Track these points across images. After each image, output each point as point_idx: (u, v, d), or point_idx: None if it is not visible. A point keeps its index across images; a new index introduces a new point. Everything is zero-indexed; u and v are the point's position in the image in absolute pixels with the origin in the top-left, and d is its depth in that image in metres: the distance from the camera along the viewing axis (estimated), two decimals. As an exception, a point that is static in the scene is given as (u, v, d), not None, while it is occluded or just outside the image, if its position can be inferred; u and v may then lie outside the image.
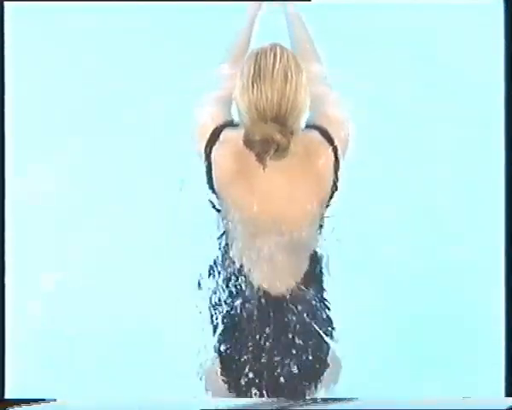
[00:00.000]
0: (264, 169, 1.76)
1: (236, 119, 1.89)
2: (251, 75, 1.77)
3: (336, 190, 1.93)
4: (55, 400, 2.16)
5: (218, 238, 2.01)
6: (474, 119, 2.83)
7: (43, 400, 2.15)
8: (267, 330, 1.93)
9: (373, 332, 2.50)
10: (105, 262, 2.57)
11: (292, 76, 1.76)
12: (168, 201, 2.56)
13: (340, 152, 1.90)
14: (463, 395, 2.17)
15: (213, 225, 2.09)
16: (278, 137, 1.73)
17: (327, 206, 1.95)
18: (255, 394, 1.96)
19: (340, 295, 2.22)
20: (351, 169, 2.37)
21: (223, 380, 1.99)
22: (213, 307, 1.99)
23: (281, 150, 1.76)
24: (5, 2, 2.48)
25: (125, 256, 2.58)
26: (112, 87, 2.85)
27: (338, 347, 2.08)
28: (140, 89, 2.84)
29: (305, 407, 2.12)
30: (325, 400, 2.12)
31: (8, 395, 2.29)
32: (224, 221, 1.96)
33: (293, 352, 1.95)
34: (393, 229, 2.66)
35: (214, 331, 2.00)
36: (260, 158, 1.76)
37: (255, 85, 1.75)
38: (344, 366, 2.36)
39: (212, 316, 2.00)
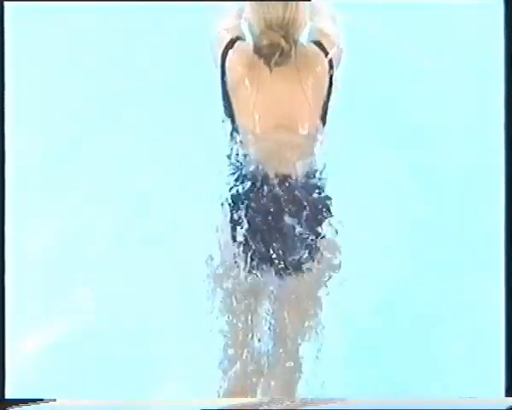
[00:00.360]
0: (270, 71, 2.13)
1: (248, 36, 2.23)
2: None
3: (332, 84, 2.20)
4: (54, 400, 2.17)
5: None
6: (474, 119, 2.83)
7: (42, 400, 2.15)
8: (271, 208, 2.20)
9: (373, 332, 2.50)
10: (105, 262, 2.57)
11: None
12: (168, 200, 2.58)
13: (334, 62, 2.20)
14: (463, 395, 2.17)
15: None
16: (283, 42, 2.10)
17: (324, 111, 2.21)
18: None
19: (340, 294, 2.23)
20: (352, 172, 2.39)
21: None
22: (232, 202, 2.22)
23: (284, 55, 2.12)
24: (5, 2, 2.48)
25: (125, 256, 2.58)
26: (112, 87, 2.85)
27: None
28: (140, 89, 2.84)
29: (303, 407, 2.13)
30: (324, 400, 2.12)
31: (8, 395, 2.29)
32: (234, 127, 2.22)
33: (295, 232, 2.19)
34: (393, 228, 2.66)
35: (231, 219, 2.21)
36: (267, 60, 2.12)
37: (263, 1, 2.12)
38: (344, 366, 2.37)
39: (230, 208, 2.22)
